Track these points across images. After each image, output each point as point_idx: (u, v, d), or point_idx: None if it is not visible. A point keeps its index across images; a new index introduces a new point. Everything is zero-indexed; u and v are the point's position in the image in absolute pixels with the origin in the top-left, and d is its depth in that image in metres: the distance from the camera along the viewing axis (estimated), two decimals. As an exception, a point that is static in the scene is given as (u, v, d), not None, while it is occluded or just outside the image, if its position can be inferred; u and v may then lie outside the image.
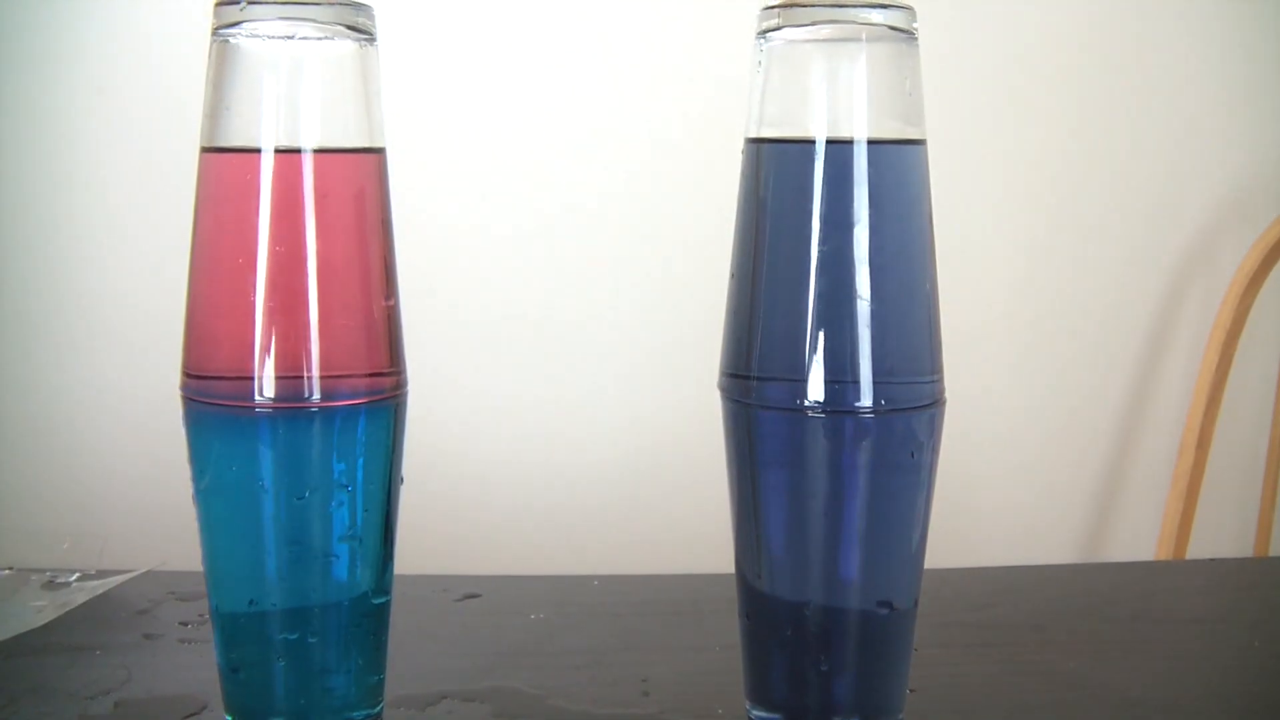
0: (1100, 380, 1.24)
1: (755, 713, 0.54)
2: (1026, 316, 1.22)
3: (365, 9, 0.50)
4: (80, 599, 0.71)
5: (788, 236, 0.49)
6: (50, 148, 1.07)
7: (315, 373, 0.49)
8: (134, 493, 1.06)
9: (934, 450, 0.52)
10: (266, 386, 0.49)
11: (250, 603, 0.51)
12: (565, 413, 1.15)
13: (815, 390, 0.49)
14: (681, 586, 0.78)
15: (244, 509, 0.50)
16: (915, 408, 0.50)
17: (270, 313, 0.48)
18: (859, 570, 0.51)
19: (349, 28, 0.49)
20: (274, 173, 0.48)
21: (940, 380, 0.52)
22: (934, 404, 0.51)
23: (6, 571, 0.74)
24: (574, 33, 1.11)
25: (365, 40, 0.50)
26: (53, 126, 1.07)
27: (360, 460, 0.51)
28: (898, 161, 0.50)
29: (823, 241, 0.48)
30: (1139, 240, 1.23)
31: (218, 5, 0.49)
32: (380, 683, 0.55)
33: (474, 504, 1.13)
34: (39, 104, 1.07)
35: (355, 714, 0.53)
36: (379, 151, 0.51)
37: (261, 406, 0.49)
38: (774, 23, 0.50)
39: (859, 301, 0.48)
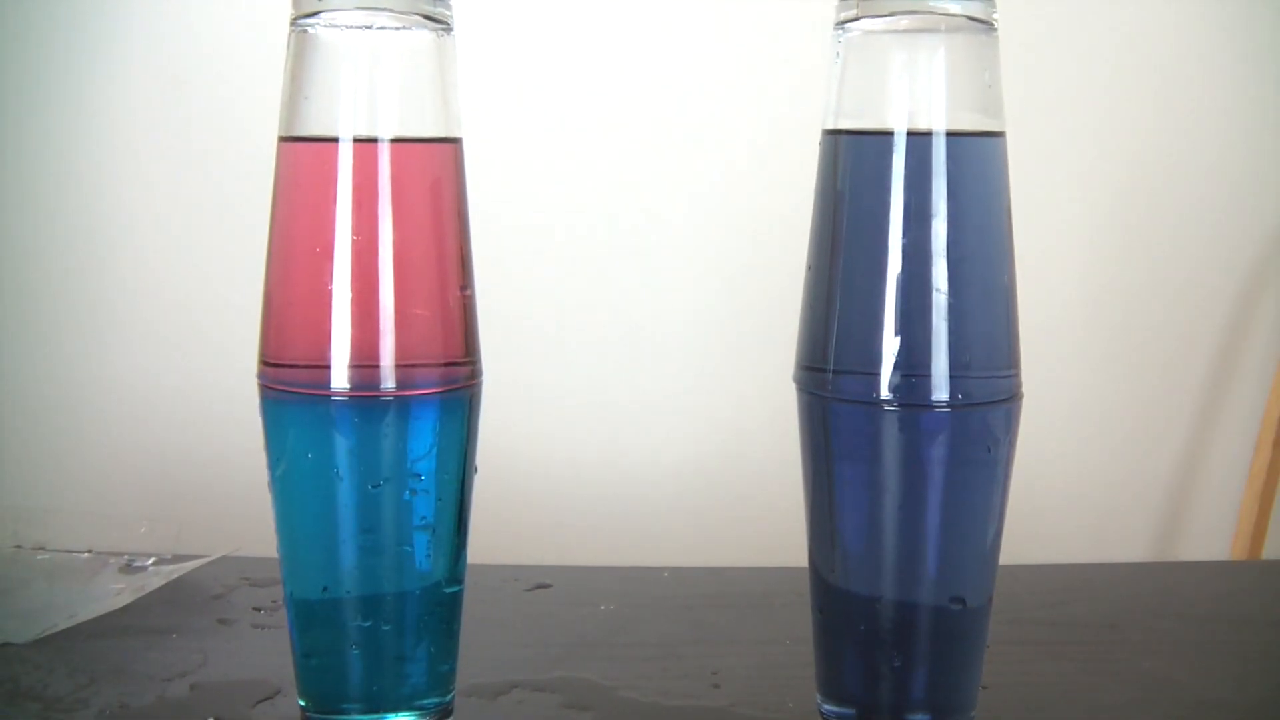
0: (1175, 376, 1.23)
1: (827, 707, 0.54)
2: (1101, 311, 1.20)
3: (443, -1, 0.50)
4: (156, 583, 0.72)
5: (865, 229, 0.49)
6: (129, 139, 1.09)
7: (391, 362, 0.49)
8: (210, 479, 1.08)
9: (1010, 445, 0.51)
10: (343, 375, 0.49)
11: (324, 590, 0.51)
12: (639, 403, 1.15)
13: (892, 384, 0.49)
14: (752, 579, 0.78)
15: (319, 496, 0.50)
16: (992, 402, 0.50)
17: (347, 301, 0.49)
18: (933, 566, 0.51)
19: (426, 18, 0.50)
20: (352, 162, 0.48)
21: (1017, 375, 0.51)
22: (1011, 399, 0.51)
23: (86, 555, 0.75)
24: (649, 24, 1.11)
25: (442, 30, 0.50)
26: (131, 118, 1.09)
27: (435, 449, 0.51)
28: (977, 154, 0.50)
29: (901, 234, 0.48)
30: (1217, 234, 1.21)
31: (296, -5, 0.49)
32: (451, 671, 0.55)
33: (545, 494, 1.13)
34: (115, 95, 1.08)
35: (426, 702, 0.54)
36: (455, 141, 0.51)
37: (338, 395, 0.49)
38: (852, 14, 0.50)
39: (937, 294, 0.48)
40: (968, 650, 0.53)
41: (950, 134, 0.48)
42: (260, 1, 1.04)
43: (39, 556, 0.75)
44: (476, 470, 0.54)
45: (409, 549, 0.51)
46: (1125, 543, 1.25)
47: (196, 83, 1.08)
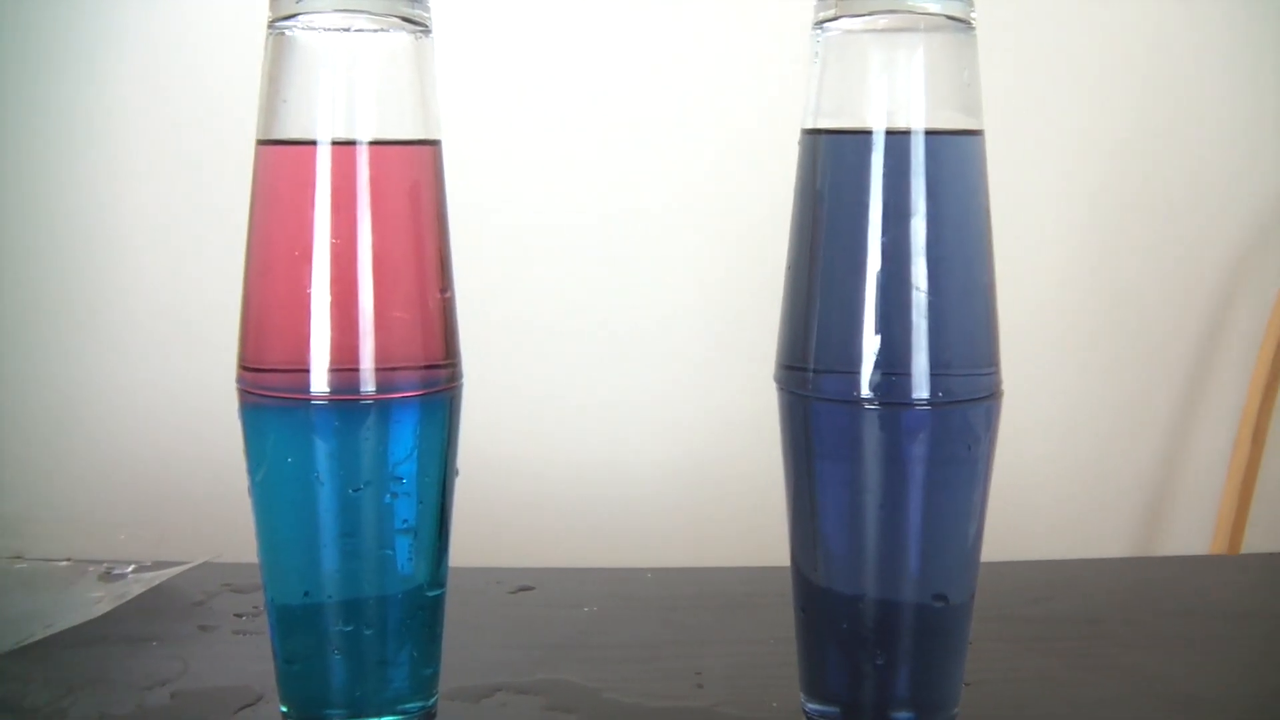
0: (1156, 373, 1.23)
1: (810, 706, 0.54)
2: (1081, 308, 1.21)
3: (420, 1, 0.50)
4: (136, 590, 0.71)
5: (845, 228, 0.49)
6: (105, 143, 1.08)
7: (371, 365, 0.49)
8: (190, 484, 1.07)
9: (991, 443, 0.51)
10: (322, 379, 0.49)
11: (305, 594, 0.51)
12: (620, 404, 1.15)
13: (872, 382, 0.49)
14: (735, 579, 0.78)
15: (299, 501, 0.50)
16: (972, 400, 0.50)
17: (326, 305, 0.48)
18: (915, 563, 0.51)
19: (404, 20, 0.49)
20: (330, 165, 0.48)
21: (997, 372, 0.51)
22: (991, 396, 0.51)
23: (64, 563, 0.74)
24: (629, 24, 1.11)
25: (420, 32, 0.50)
26: (107, 121, 1.08)
27: (415, 453, 0.51)
28: (955, 152, 0.50)
29: (880, 233, 0.48)
30: (1196, 231, 1.21)
31: (273, -3, 0.49)
32: (435, 675, 0.55)
33: (527, 496, 1.13)
34: (93, 99, 1.08)
35: (410, 706, 0.53)
36: (434, 144, 0.51)
37: (317, 399, 0.49)
38: (831, 13, 0.50)
39: (916, 293, 0.48)
40: (950, 647, 0.53)
41: (929, 133, 0.48)
42: (238, 3, 1.04)
43: (16, 565, 0.74)
44: (458, 473, 0.54)
45: (390, 553, 0.51)
46: (1106, 538, 1.25)
47: (173, 86, 1.07)
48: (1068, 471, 1.22)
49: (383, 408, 0.50)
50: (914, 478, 0.50)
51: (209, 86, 1.07)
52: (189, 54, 1.08)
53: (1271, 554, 0.98)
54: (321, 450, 0.50)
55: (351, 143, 0.48)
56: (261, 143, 0.50)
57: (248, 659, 0.65)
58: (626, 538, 1.14)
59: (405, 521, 0.51)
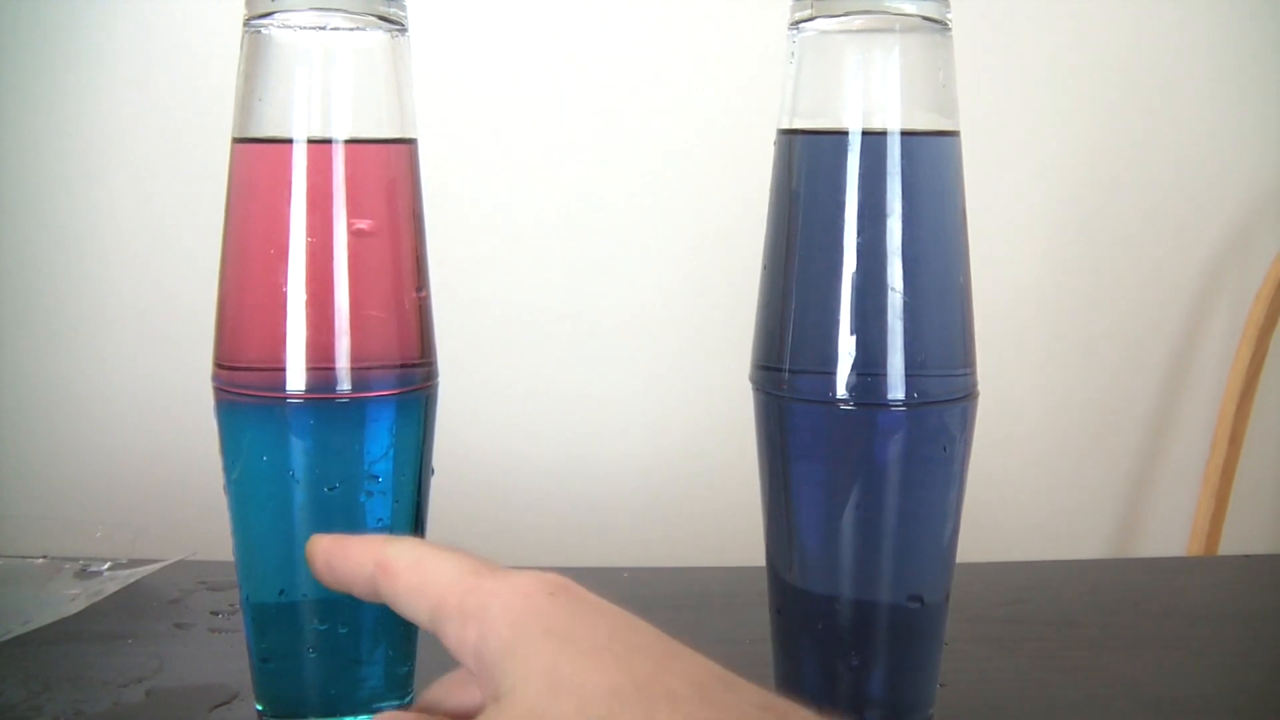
0: (1133, 375, 1.24)
1: (785, 706, 0.54)
2: (1058, 310, 1.21)
3: (397, -1, 0.50)
4: (112, 588, 0.71)
5: (820, 228, 0.49)
6: (82, 141, 1.08)
7: (346, 364, 0.49)
8: (166, 482, 1.07)
9: (966, 444, 0.51)
10: (297, 378, 0.49)
11: (281, 593, 0.51)
12: (595, 404, 1.15)
13: (847, 383, 0.49)
14: (711, 579, 0.78)
15: (275, 500, 0.50)
16: (947, 401, 0.50)
17: (301, 304, 0.48)
18: (890, 564, 0.51)
19: (380, 18, 0.49)
20: (306, 163, 0.48)
21: (973, 373, 0.51)
22: (966, 397, 0.51)
23: (40, 560, 0.74)
24: (605, 23, 1.11)
25: (397, 31, 0.50)
26: (84, 119, 1.08)
27: (391, 451, 0.51)
28: (931, 153, 0.50)
29: (856, 233, 0.48)
30: (1173, 234, 1.22)
31: (249, -5, 0.49)
32: (410, 673, 0.55)
33: (503, 496, 1.13)
34: (70, 96, 1.07)
35: (385, 704, 0.53)
36: (410, 142, 0.51)
37: (293, 397, 0.49)
38: (807, 13, 0.50)
39: (891, 294, 0.48)
40: (925, 648, 0.53)
41: (905, 133, 0.48)
42: (214, 2, 1.04)
43: (-8, 562, 0.74)
44: (433, 472, 0.54)
45: (366, 551, 0.51)
46: (1083, 540, 1.25)
47: (150, 84, 1.07)
48: (1044, 473, 1.22)
49: (358, 406, 0.50)
50: (889, 478, 0.50)
51: (193, 86, 1.07)
52: (176, 53, 1.07)
53: (1248, 556, 0.98)
54: (297, 449, 0.49)
55: (327, 141, 0.48)
56: (237, 141, 0.50)
57: (223, 657, 0.65)
58: (602, 537, 1.14)
59: (380, 520, 0.51)
